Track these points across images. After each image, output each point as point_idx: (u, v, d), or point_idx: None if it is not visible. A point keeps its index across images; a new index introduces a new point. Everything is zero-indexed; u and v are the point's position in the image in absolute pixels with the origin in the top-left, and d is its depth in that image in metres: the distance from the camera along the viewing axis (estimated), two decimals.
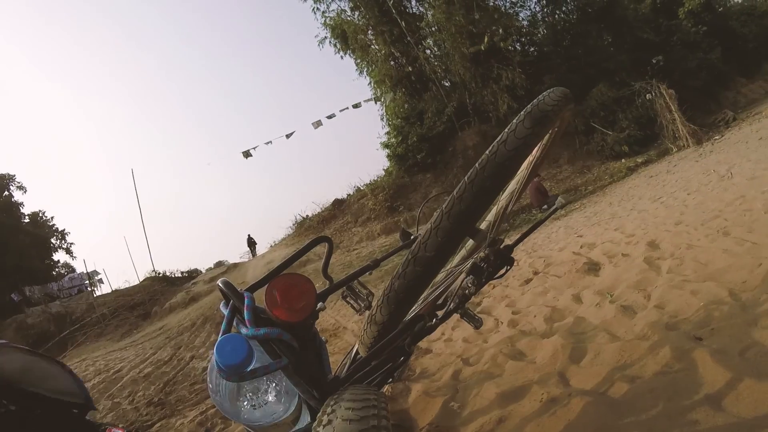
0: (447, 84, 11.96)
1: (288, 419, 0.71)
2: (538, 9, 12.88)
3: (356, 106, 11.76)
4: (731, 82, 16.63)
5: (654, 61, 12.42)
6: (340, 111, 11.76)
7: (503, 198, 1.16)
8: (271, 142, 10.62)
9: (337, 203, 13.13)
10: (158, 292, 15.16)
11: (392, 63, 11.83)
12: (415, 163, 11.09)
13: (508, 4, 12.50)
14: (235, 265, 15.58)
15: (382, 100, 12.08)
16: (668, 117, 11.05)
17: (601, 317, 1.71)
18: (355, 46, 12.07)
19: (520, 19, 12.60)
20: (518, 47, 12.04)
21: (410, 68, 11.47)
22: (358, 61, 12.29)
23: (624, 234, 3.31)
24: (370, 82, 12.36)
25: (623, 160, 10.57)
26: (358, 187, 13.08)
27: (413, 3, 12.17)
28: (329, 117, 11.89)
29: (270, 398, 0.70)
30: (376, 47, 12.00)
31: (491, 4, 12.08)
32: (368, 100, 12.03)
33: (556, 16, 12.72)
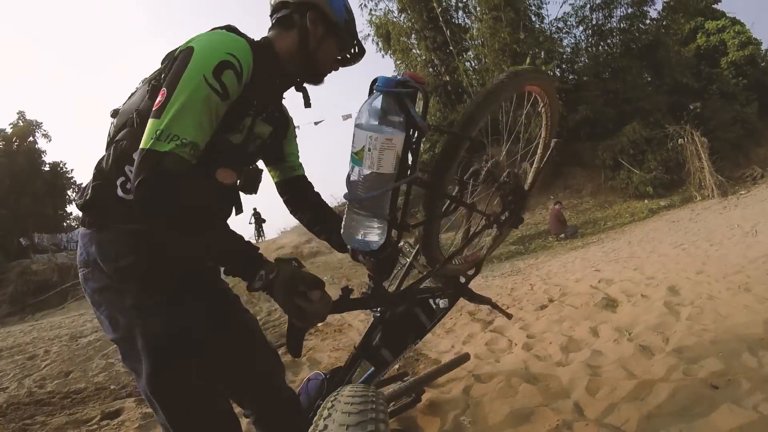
0: None
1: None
2: (582, 38, 12.85)
3: None
4: (764, 139, 16.45)
5: (691, 108, 12.35)
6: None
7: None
8: (299, 126, 10.66)
9: None
10: None
11: (431, 70, 11.87)
12: None
13: (554, 29, 12.51)
14: None
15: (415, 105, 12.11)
16: (697, 165, 11.00)
17: (619, 353, 1.73)
18: (397, 47, 12.13)
19: (564, 45, 12.60)
20: (558, 73, 12.02)
21: (448, 78, 11.50)
22: (398, 62, 12.35)
23: (643, 275, 3.34)
24: None
25: (646, 201, 10.54)
26: None
27: (460, 14, 12.23)
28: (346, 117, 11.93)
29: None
30: (418, 52, 12.07)
31: (538, 26, 12.10)
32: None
33: (600, 47, 12.68)
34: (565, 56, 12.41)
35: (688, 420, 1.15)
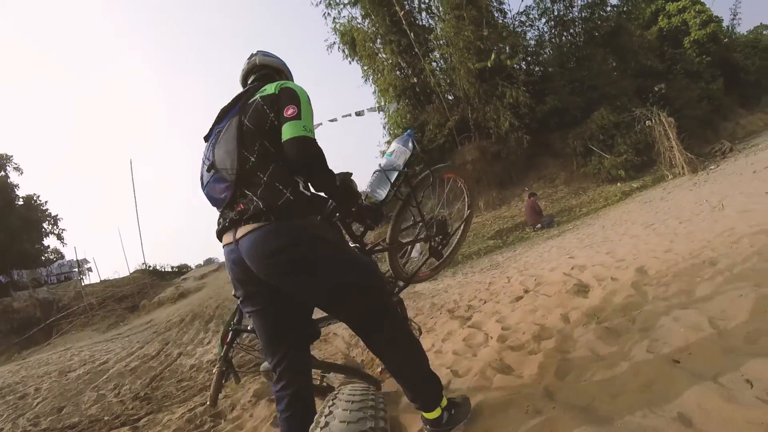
0: (450, 98, 12.06)
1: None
2: (546, 30, 13.05)
3: (359, 113, 11.83)
4: (731, 113, 16.85)
5: (656, 89, 12.61)
6: (343, 117, 11.86)
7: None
8: None
9: None
10: (147, 285, 15.12)
11: (398, 73, 11.94)
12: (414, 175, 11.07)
13: (517, 23, 12.68)
14: None
15: (386, 108, 12.19)
16: (666, 144, 11.19)
17: (588, 337, 1.80)
18: (363, 53, 12.16)
19: (528, 38, 12.77)
20: (524, 66, 12.18)
21: (415, 79, 11.57)
22: (365, 68, 12.40)
23: (614, 258, 3.35)
24: (374, 90, 12.50)
25: (619, 184, 10.70)
26: None
27: (423, 15, 12.32)
28: (331, 120, 11.99)
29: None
30: (384, 56, 12.11)
31: (501, 21, 12.25)
32: (372, 109, 12.15)
33: (563, 38, 12.89)
34: (529, 49, 12.58)
35: (650, 395, 1.22)
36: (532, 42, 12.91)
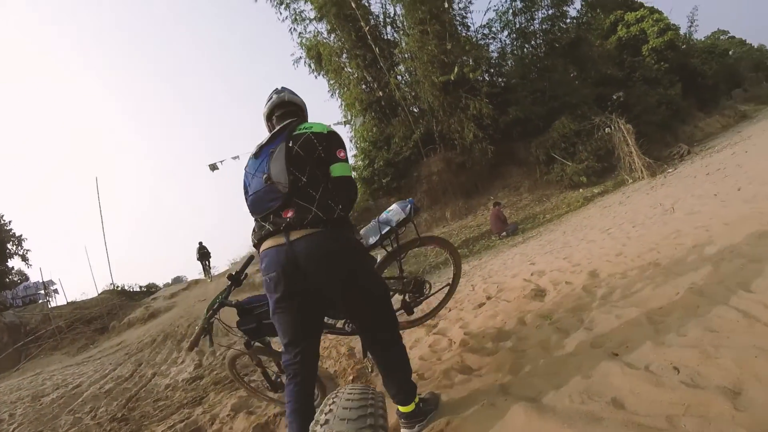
0: (416, 110, 12.24)
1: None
2: (508, 42, 13.39)
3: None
4: (689, 117, 17.61)
5: (614, 97, 13.09)
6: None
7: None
8: (238, 156, 10.63)
9: None
10: (116, 306, 14.73)
11: (364, 87, 12.07)
12: (380, 187, 11.29)
13: (480, 35, 13.01)
14: (197, 281, 15.28)
15: (352, 123, 12.30)
16: (625, 150, 11.59)
17: (540, 337, 1.97)
18: (329, 67, 12.26)
19: (491, 51, 13.09)
20: (487, 78, 12.47)
21: (381, 93, 11.72)
22: (332, 82, 12.51)
23: (571, 263, 3.50)
24: (341, 105, 12.62)
25: (581, 190, 11.02)
26: None
27: (389, 29, 12.52)
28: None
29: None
30: (350, 70, 12.24)
31: (464, 34, 12.54)
32: (338, 123, 12.24)
33: (525, 49, 13.26)
34: (492, 61, 12.91)
35: (589, 384, 1.39)
36: (495, 54, 13.25)
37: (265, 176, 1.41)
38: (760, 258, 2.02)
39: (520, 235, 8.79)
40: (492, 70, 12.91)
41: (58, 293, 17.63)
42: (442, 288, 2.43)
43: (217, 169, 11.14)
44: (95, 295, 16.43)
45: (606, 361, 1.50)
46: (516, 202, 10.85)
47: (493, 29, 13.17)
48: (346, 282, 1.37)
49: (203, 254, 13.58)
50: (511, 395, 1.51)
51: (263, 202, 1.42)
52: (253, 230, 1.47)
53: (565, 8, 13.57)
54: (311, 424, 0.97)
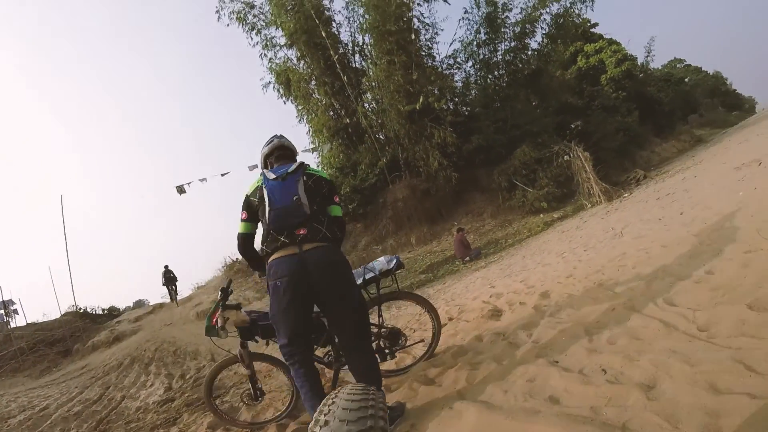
0: (382, 138, 12.52)
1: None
2: (472, 72, 13.95)
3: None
4: (646, 143, 18.62)
5: (573, 126, 13.77)
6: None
7: None
8: (206, 179, 10.59)
9: None
10: (80, 328, 14.16)
11: (331, 114, 12.31)
12: (347, 213, 11.32)
13: (445, 65, 13.52)
14: (161, 305, 14.85)
15: (319, 149, 12.47)
16: (584, 176, 12.13)
17: (494, 351, 2.24)
18: (297, 93, 12.45)
19: (456, 80, 13.60)
20: (451, 107, 12.92)
21: (348, 120, 11.97)
22: (300, 108, 12.69)
23: (526, 285, 3.76)
24: (308, 131, 12.79)
25: (541, 216, 11.38)
26: None
27: (357, 58, 12.88)
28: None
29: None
30: (318, 97, 12.47)
31: (429, 64, 13.02)
32: (306, 150, 12.39)
33: (488, 80, 13.83)
34: (457, 91, 13.40)
35: (531, 386, 1.66)
36: (460, 84, 13.76)
37: (295, 197, 1.74)
38: (686, 276, 2.32)
39: (483, 259, 8.96)
40: (456, 99, 13.39)
41: (18, 314, 16.73)
42: (416, 343, 2.63)
43: (185, 192, 11.05)
44: (57, 316, 15.72)
45: (547, 367, 1.76)
46: (479, 227, 11.13)
47: (458, 60, 13.73)
48: (342, 288, 1.73)
49: (169, 279, 13.27)
50: (467, 399, 1.76)
51: (288, 217, 1.72)
52: (265, 240, 1.78)
53: (526, 41, 14.32)
54: (311, 424, 0.99)
